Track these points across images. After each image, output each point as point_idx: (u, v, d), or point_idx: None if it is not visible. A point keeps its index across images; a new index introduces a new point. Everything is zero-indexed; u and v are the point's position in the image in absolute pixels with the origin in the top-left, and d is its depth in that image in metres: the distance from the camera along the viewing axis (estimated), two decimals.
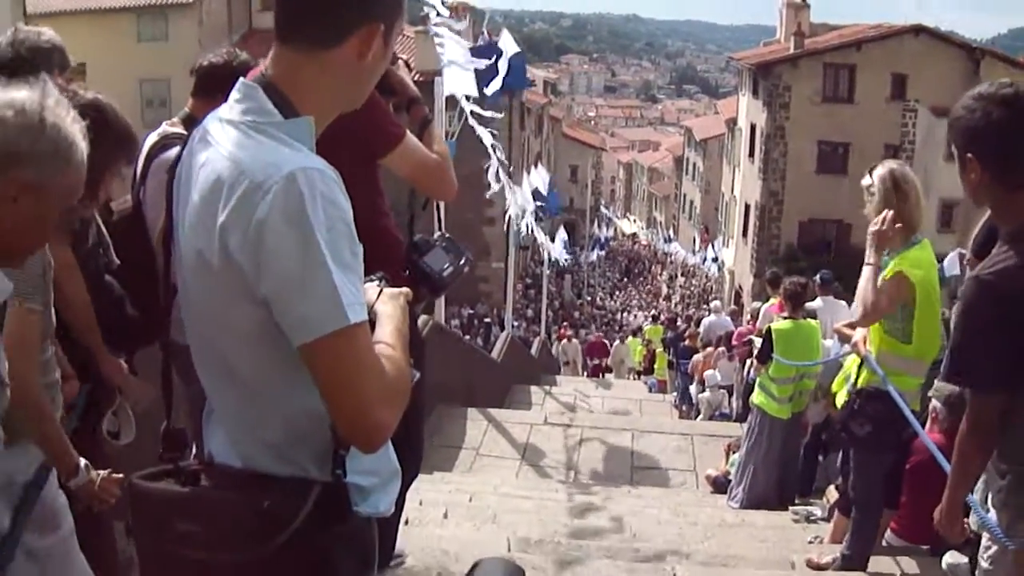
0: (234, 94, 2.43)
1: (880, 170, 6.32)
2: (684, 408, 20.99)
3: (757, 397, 10.49)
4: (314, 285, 2.18)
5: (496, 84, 16.57)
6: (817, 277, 13.32)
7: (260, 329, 2.29)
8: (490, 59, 16.31)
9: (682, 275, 74.01)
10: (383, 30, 2.41)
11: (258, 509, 2.32)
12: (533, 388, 20.77)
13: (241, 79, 2.46)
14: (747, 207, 50.65)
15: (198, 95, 5.24)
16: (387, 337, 2.47)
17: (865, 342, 6.58)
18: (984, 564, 4.37)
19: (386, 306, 2.58)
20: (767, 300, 15.54)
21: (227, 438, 2.54)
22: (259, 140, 2.30)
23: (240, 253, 2.21)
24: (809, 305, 11.37)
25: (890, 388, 6.15)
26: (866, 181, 6.27)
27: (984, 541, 4.59)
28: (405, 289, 2.75)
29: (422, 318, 11.66)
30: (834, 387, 7.12)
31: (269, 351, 2.33)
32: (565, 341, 35.08)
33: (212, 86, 5.11)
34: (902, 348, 6.36)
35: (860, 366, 6.67)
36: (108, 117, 4.08)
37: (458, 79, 15.16)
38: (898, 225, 6.13)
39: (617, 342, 36.27)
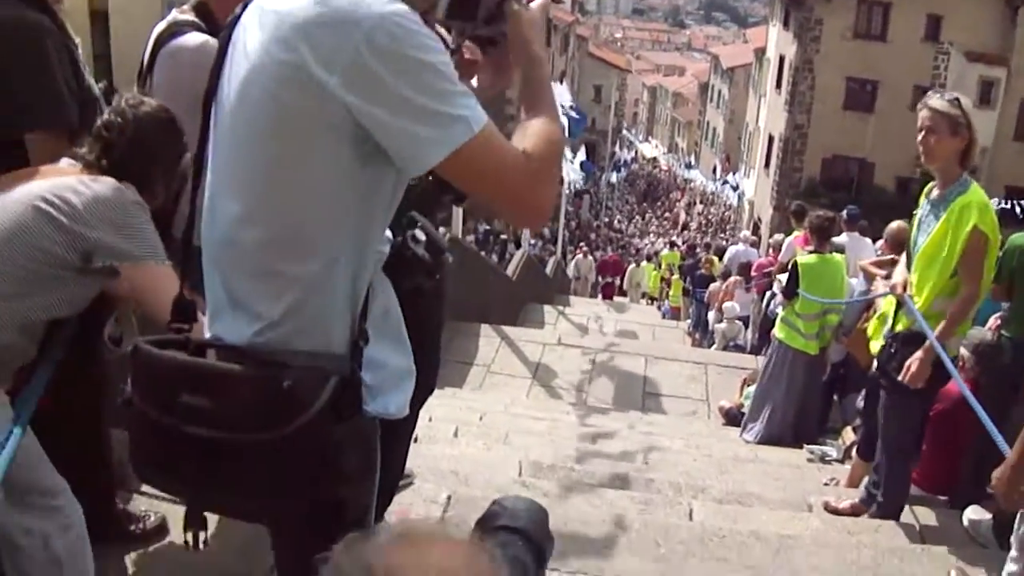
0: None
1: (954, 98, 6.10)
2: (698, 336, 20.86)
3: (781, 331, 10.28)
4: (436, 103, 2.18)
5: None
6: (844, 212, 13.06)
7: (338, 174, 2.28)
8: None
9: (701, 203, 73.69)
10: None
11: (276, 389, 2.24)
12: (547, 308, 20.70)
13: None
14: (771, 138, 50.15)
15: None
16: (528, 104, 2.52)
17: (906, 286, 6.35)
18: None
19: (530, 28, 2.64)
20: (789, 232, 15.29)
21: (242, 319, 2.42)
22: None
23: (343, 88, 2.17)
24: (836, 240, 11.14)
25: (932, 339, 5.92)
26: (942, 106, 6.01)
27: None
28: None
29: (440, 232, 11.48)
30: (870, 331, 6.88)
31: (339, 205, 2.32)
32: (580, 256, 34.74)
33: None
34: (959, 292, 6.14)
35: (897, 309, 6.45)
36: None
37: None
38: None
39: (632, 265, 35.97)
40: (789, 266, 10.45)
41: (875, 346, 6.70)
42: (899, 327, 6.42)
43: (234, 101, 2.36)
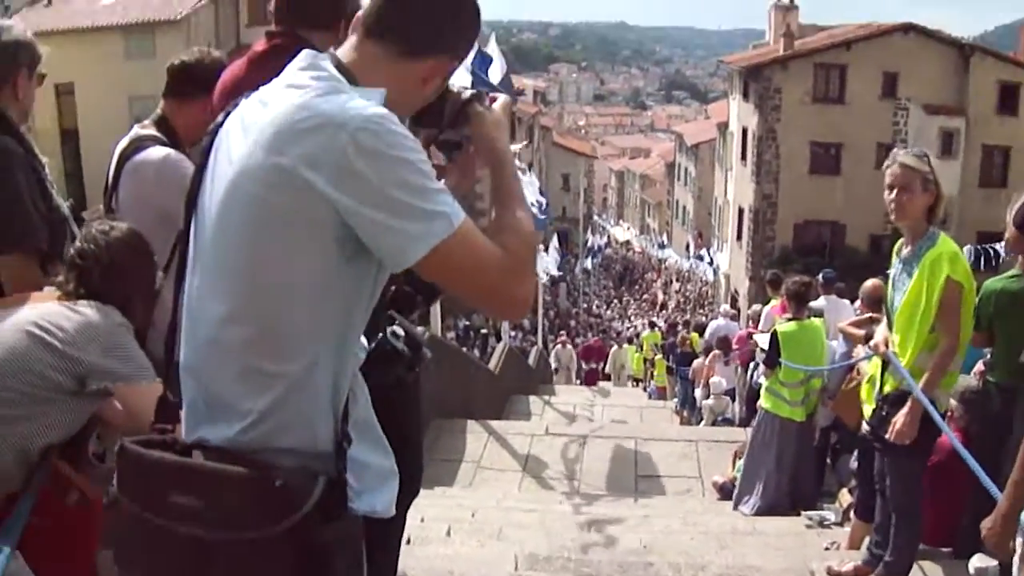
0: (298, 62, 2.50)
1: (922, 153, 6.18)
2: (686, 414, 20.80)
3: (767, 401, 10.27)
4: (418, 201, 2.27)
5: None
6: (820, 276, 13.12)
7: (322, 273, 2.34)
8: (481, 68, 16.32)
9: (677, 281, 73.97)
10: (448, 68, 2.59)
11: (269, 488, 2.26)
12: (532, 398, 20.68)
13: (307, 50, 2.54)
14: (741, 211, 50.49)
15: (171, 95, 5.05)
16: (499, 202, 2.60)
17: (887, 344, 6.34)
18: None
19: (497, 137, 2.76)
20: (767, 302, 15.33)
21: (224, 419, 2.42)
22: (334, 94, 2.35)
23: (330, 188, 2.24)
24: (813, 304, 11.16)
25: (917, 391, 5.90)
26: (914, 162, 6.05)
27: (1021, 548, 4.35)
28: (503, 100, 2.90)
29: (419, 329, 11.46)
30: (862, 396, 6.85)
31: (323, 303, 2.37)
32: (559, 347, 34.74)
33: (185, 85, 4.98)
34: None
35: (884, 370, 6.44)
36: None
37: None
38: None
39: (615, 347, 35.98)
40: (769, 336, 10.45)
41: (867, 410, 6.67)
42: (887, 388, 6.39)
43: (219, 204, 2.41)
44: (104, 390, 3.61)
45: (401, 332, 3.63)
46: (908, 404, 6.05)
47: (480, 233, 2.40)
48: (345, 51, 2.54)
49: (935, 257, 5.98)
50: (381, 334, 3.41)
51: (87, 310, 3.67)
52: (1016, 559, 4.55)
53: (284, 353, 2.36)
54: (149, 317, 4.05)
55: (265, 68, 3.98)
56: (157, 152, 4.74)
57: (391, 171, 2.25)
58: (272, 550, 2.26)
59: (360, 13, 2.54)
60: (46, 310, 3.63)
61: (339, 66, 2.47)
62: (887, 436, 6.20)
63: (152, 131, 4.93)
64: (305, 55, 2.51)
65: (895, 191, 6.04)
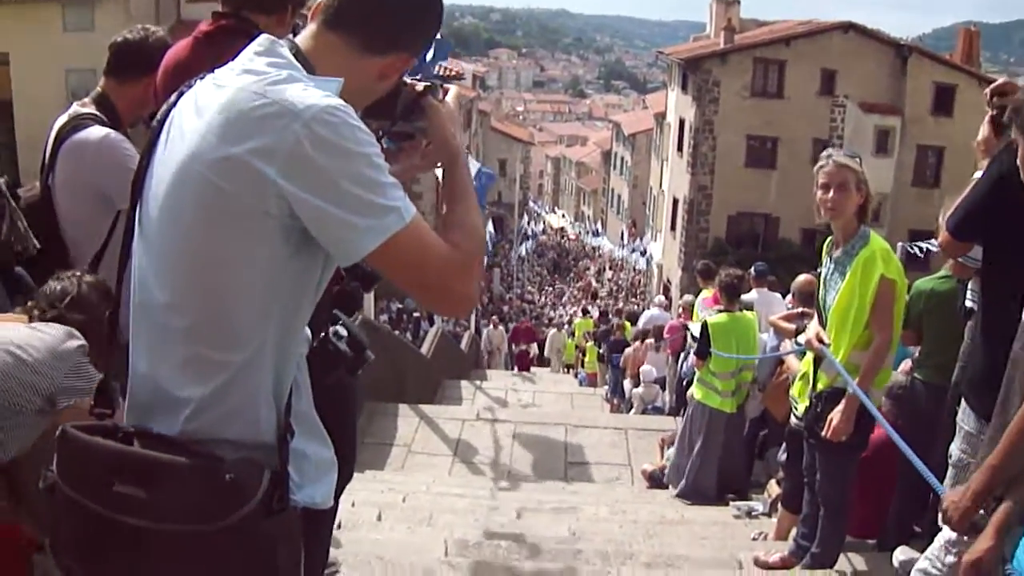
0: (255, 47, 2.46)
1: (854, 154, 6.32)
2: (616, 402, 20.84)
3: (698, 391, 10.33)
4: (371, 195, 2.26)
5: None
6: (752, 269, 13.21)
7: (268, 263, 2.32)
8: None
9: (610, 269, 74.07)
10: (406, 65, 2.59)
11: (218, 481, 2.25)
12: (463, 383, 20.66)
13: (265, 35, 2.50)
14: (675, 201, 50.70)
15: (112, 74, 4.97)
16: (450, 198, 2.63)
17: (820, 339, 6.39)
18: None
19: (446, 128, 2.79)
20: (698, 293, 15.37)
21: (168, 407, 2.40)
22: (291, 82, 2.33)
23: (282, 177, 2.23)
24: (745, 297, 11.24)
25: (854, 386, 5.95)
26: (849, 161, 6.15)
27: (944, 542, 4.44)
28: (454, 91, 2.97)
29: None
30: (794, 392, 6.90)
31: (268, 294, 2.36)
32: (490, 328, 34.68)
33: (127, 64, 4.91)
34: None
35: (816, 367, 6.51)
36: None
37: None
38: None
39: (553, 331, 35.98)
40: (700, 327, 10.50)
41: (800, 407, 6.71)
42: (820, 385, 6.45)
43: (168, 186, 2.37)
44: (70, 408, 3.69)
45: (344, 332, 3.60)
46: (844, 401, 6.13)
47: (430, 229, 2.40)
48: (304, 39, 2.52)
49: (868, 256, 6.06)
50: (323, 333, 3.39)
51: (55, 331, 3.80)
52: (941, 541, 4.63)
53: (228, 342, 2.35)
54: (108, 364, 4.03)
55: (211, 49, 3.95)
56: (96, 132, 4.68)
57: (345, 163, 2.24)
58: (217, 543, 2.24)
59: (321, 1, 2.52)
60: (20, 333, 3.73)
61: (297, 54, 2.46)
62: (822, 433, 6.27)
63: (92, 109, 4.85)
64: (263, 40, 2.47)
65: (831, 190, 6.10)
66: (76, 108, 4.89)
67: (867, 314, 6.08)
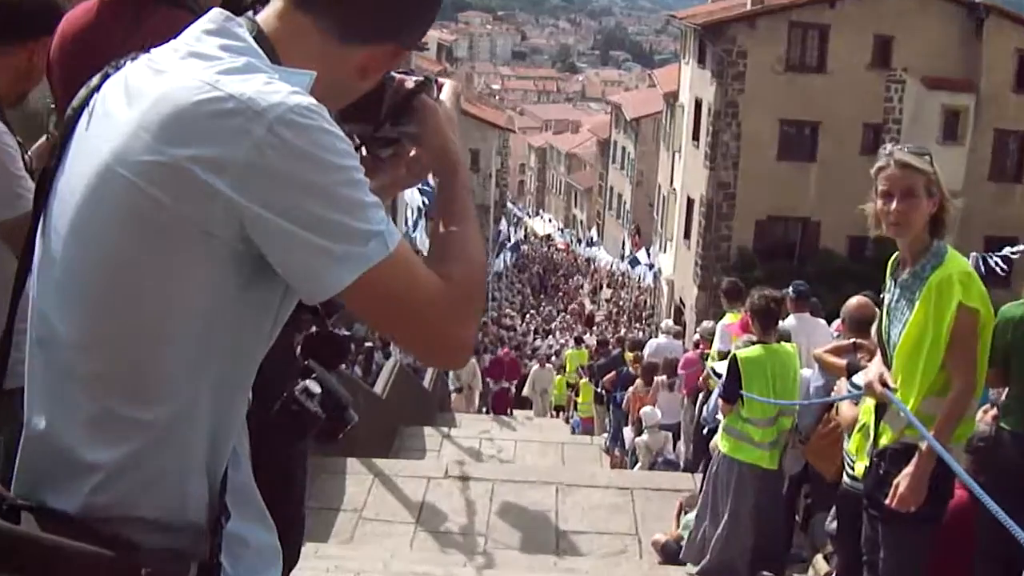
0: (205, 23, 2.33)
1: (924, 151, 6.07)
2: (617, 453, 20.83)
3: (725, 443, 10.15)
4: (348, 217, 2.15)
5: None
6: (790, 288, 13.09)
7: (208, 299, 2.20)
8: None
9: (608, 287, 74.19)
10: (394, 59, 2.50)
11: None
12: (427, 430, 20.71)
13: (218, 10, 2.36)
14: (690, 202, 50.82)
15: None
16: (447, 218, 2.54)
17: (884, 381, 6.23)
18: None
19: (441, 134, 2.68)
20: (720, 317, 15.31)
21: (69, 474, 2.25)
22: (250, 72, 2.20)
23: (235, 191, 2.10)
24: (782, 324, 11.17)
25: (931, 439, 5.70)
26: (917, 161, 5.94)
27: None
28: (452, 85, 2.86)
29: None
30: (851, 448, 6.78)
31: (205, 336, 2.23)
32: None
33: (3, 32, 4.75)
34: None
35: (879, 417, 6.36)
36: None
37: None
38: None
39: (536, 366, 35.79)
40: (728, 362, 10.36)
41: (859, 467, 6.61)
42: (884, 440, 6.25)
43: (83, 193, 2.25)
44: None
45: (316, 389, 3.51)
46: (915, 461, 5.91)
47: (418, 259, 2.32)
48: (267, 18, 2.39)
49: (943, 278, 5.86)
50: (285, 392, 3.29)
51: None
52: None
53: (148, 394, 2.22)
54: None
55: (123, 18, 3.87)
56: None
57: (318, 177, 2.13)
58: None
59: None
60: None
61: (258, 36, 2.34)
62: (886, 501, 6.09)
63: None
64: (215, 16, 2.34)
65: (894, 199, 5.91)
66: None
67: (942, 352, 5.88)
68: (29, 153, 4.94)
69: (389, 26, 2.43)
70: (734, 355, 10.20)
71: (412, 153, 2.77)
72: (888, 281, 6.30)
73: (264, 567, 2.54)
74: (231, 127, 2.10)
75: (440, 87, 2.79)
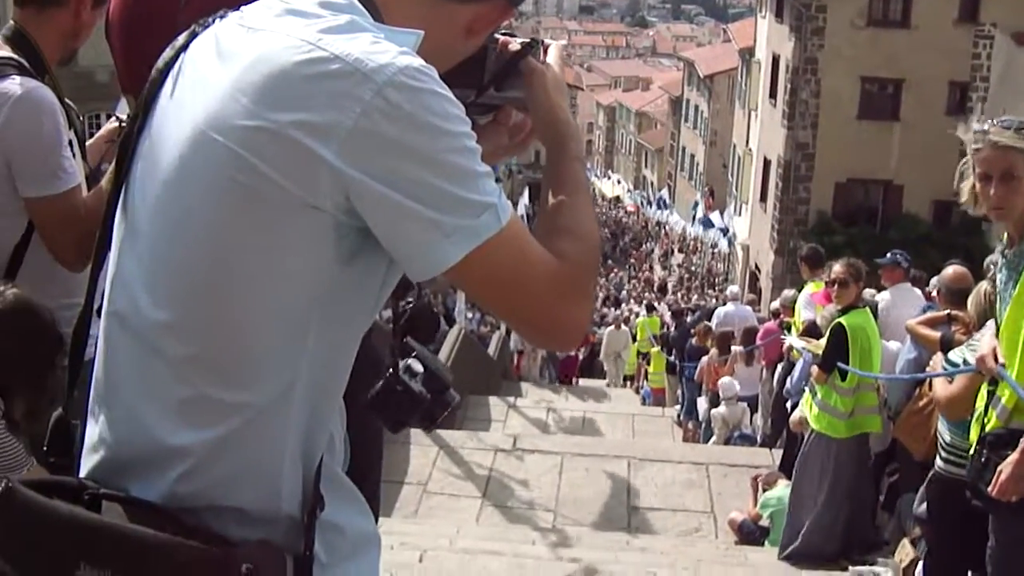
0: None
1: (1015, 122, 5.81)
2: (691, 426, 20.73)
3: (819, 421, 9.84)
4: (460, 188, 2.08)
5: None
6: (888, 256, 12.80)
7: (310, 274, 2.14)
8: None
9: (680, 251, 74.00)
10: (501, 17, 2.44)
11: (229, 573, 2.03)
12: (493, 400, 20.58)
13: None
14: (766, 163, 50.58)
15: (27, 2, 4.77)
16: (557, 190, 2.45)
17: (996, 356, 5.96)
18: None
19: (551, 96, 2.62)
20: (803, 285, 15.07)
21: (155, 461, 2.18)
22: (355, 31, 2.13)
23: (341, 160, 2.02)
24: (879, 296, 11.01)
25: None
26: (1015, 140, 5.63)
27: None
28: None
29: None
30: (972, 435, 6.54)
31: (306, 314, 2.17)
32: None
33: None
34: None
35: (988, 399, 6.08)
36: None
37: None
38: None
39: (610, 328, 35.57)
40: (831, 329, 10.10)
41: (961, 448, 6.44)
42: (990, 425, 5.93)
43: (173, 161, 2.19)
44: None
45: (419, 368, 3.47)
46: (1020, 447, 5.60)
47: (531, 236, 2.24)
48: None
49: None
50: (390, 370, 3.22)
51: None
52: None
53: (243, 376, 2.16)
54: (38, 411, 3.98)
55: None
56: (18, 85, 4.50)
57: (431, 144, 2.05)
58: None
59: None
60: None
61: None
62: (988, 489, 5.80)
63: (7, 52, 4.69)
64: None
65: (991, 182, 5.61)
66: None
67: None
68: (89, 142, 4.97)
69: None
70: (839, 322, 9.94)
71: (515, 119, 2.71)
72: (998, 257, 6.10)
73: (360, 554, 2.46)
74: (337, 90, 2.03)
75: (546, 50, 2.71)
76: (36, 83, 4.48)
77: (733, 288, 29.85)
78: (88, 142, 5.01)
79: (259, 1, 2.27)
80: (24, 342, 3.89)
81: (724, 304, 23.54)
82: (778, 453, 12.93)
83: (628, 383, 32.58)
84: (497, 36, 2.62)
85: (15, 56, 4.59)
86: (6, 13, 4.73)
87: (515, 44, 2.64)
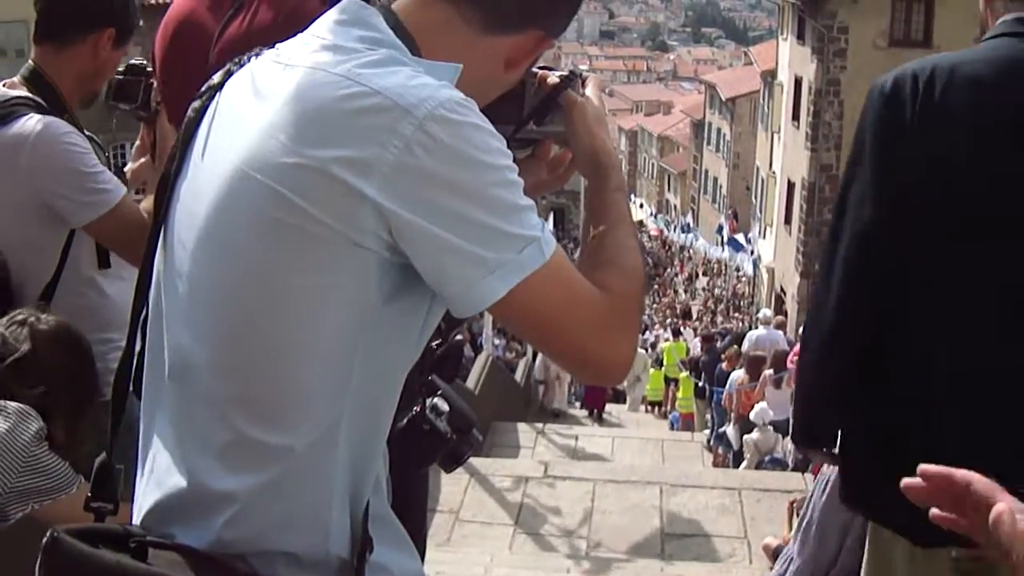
0: (335, 14, 2.27)
1: None
2: (720, 451, 20.71)
3: None
4: (504, 222, 2.09)
5: None
6: None
7: (353, 312, 2.12)
8: None
9: (704, 274, 73.91)
10: (540, 49, 2.44)
11: None
12: (521, 427, 20.50)
13: None
14: (791, 185, 50.49)
15: (45, 38, 4.76)
16: (599, 222, 2.47)
17: None
18: None
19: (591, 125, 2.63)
20: None
21: (200, 506, 2.17)
22: (394, 65, 2.14)
23: (383, 196, 2.03)
24: None
25: None
26: None
27: None
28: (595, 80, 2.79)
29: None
30: None
31: (350, 355, 2.15)
32: None
33: (65, 21, 4.72)
34: None
35: None
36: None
37: None
38: None
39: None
40: None
41: None
42: None
43: (213, 200, 2.19)
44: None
45: (444, 407, 3.44)
46: None
47: (575, 269, 2.25)
48: (404, 7, 2.31)
49: None
50: (415, 408, 3.22)
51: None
52: None
53: (287, 418, 2.16)
54: (74, 438, 3.97)
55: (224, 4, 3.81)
56: (32, 123, 4.50)
57: (470, 178, 2.06)
58: None
59: None
60: None
61: (396, 27, 2.26)
62: None
63: (23, 92, 4.66)
64: (348, 5, 2.28)
65: None
66: (4, 91, 4.71)
67: None
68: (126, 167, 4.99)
69: (535, 12, 2.36)
70: None
71: (554, 153, 2.72)
72: None
73: None
74: (378, 125, 2.04)
75: (584, 82, 2.72)
76: (50, 117, 4.48)
77: (766, 312, 29.72)
78: (129, 166, 5.02)
79: (295, 37, 2.30)
80: (66, 366, 3.89)
81: (755, 327, 23.50)
82: (810, 477, 12.90)
83: (655, 408, 32.52)
84: (535, 70, 2.63)
85: (31, 96, 4.59)
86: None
87: (554, 77, 2.65)
